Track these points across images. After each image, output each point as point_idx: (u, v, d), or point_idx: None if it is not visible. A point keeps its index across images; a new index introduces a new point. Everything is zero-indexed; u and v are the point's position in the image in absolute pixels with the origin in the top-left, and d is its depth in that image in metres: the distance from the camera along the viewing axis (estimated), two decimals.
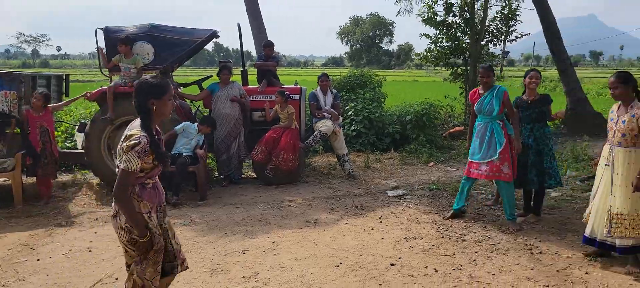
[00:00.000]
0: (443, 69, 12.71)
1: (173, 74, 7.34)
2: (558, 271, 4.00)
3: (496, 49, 13.97)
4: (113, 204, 2.62)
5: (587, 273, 3.95)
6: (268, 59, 7.76)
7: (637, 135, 3.86)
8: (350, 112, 9.77)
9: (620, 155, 3.94)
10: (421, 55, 12.60)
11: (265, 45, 7.94)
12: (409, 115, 9.78)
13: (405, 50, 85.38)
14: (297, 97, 7.47)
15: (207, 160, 7.26)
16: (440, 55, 11.94)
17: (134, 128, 2.56)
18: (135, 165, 2.45)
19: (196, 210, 5.85)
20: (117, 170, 2.54)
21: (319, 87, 7.59)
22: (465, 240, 4.75)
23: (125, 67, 6.49)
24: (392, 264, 4.18)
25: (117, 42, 6.45)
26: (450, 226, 5.17)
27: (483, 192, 6.49)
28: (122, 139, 2.54)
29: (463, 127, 10.14)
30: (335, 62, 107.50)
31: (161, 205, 2.77)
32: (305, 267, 4.14)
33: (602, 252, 4.24)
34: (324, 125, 7.25)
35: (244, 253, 4.44)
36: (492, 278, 3.89)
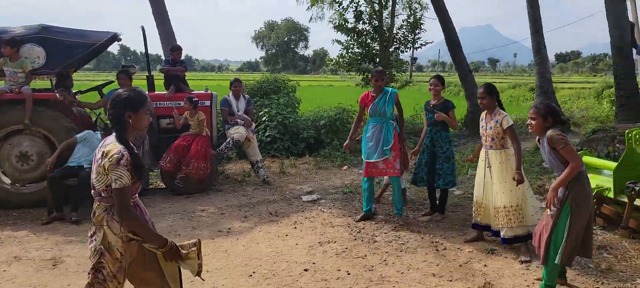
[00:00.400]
0: (356, 74, 13.08)
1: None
2: (460, 265, 4.25)
3: (405, 55, 14.71)
4: (91, 226, 2.47)
5: (485, 265, 4.24)
6: (176, 63, 7.46)
7: (504, 138, 4.39)
8: (264, 118, 9.68)
9: (492, 157, 4.45)
10: (334, 61, 12.87)
11: (172, 49, 7.65)
12: (323, 120, 9.92)
13: (321, 56, 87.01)
14: (207, 103, 7.25)
15: None
16: (352, 61, 12.28)
17: (110, 144, 2.42)
18: (127, 180, 2.34)
19: None
20: (93, 192, 2.43)
21: (231, 92, 7.42)
22: (376, 241, 4.88)
23: (11, 72, 5.87)
24: (305, 270, 4.18)
25: (0, 44, 5.82)
26: (363, 228, 5.29)
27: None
28: (99, 157, 2.40)
29: None
30: (250, 66, 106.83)
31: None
32: (216, 278, 4.01)
33: (479, 237, 4.81)
34: (237, 132, 7.10)
35: None
36: (401, 276, 4.03)
